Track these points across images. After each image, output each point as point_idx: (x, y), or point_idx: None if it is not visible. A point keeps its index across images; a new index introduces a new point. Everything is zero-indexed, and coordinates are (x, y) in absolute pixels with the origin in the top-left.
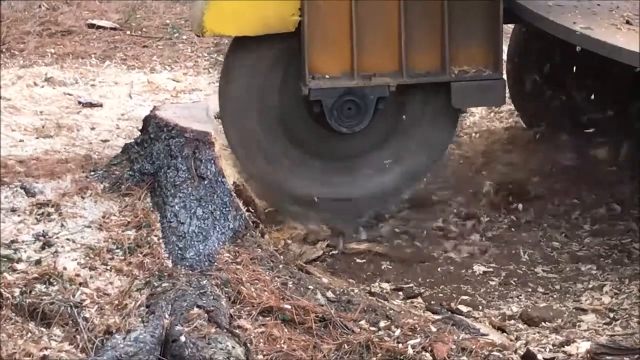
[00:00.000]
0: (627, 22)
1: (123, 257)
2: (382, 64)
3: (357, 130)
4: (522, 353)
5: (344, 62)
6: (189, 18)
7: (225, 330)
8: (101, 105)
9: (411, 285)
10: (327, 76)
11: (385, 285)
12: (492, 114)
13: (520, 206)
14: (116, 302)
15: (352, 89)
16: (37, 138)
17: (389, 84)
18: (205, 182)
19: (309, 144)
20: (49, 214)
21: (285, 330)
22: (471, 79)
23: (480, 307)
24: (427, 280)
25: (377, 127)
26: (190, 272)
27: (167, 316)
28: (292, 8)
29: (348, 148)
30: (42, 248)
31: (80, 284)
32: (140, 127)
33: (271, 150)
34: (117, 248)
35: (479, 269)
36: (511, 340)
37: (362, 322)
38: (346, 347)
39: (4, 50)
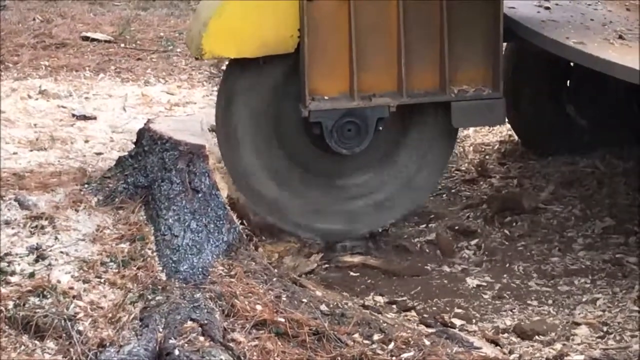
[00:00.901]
0: (620, 37)
1: (117, 270)
2: (381, 84)
3: (357, 151)
4: None
5: (343, 83)
6: (186, 39)
7: (219, 344)
8: (95, 118)
9: (405, 298)
10: (326, 97)
11: (379, 298)
12: (486, 127)
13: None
14: (110, 315)
15: (353, 110)
16: (31, 151)
17: (390, 104)
18: (199, 195)
19: (307, 165)
20: (42, 227)
21: (279, 343)
22: (471, 98)
23: (474, 321)
24: (421, 293)
25: (374, 147)
26: (184, 285)
27: (160, 329)
28: (292, 28)
29: (346, 168)
30: (36, 261)
31: (74, 296)
32: (134, 140)
33: (270, 169)
34: (111, 261)
35: (472, 282)
36: (505, 353)
37: (356, 336)
38: None
39: None
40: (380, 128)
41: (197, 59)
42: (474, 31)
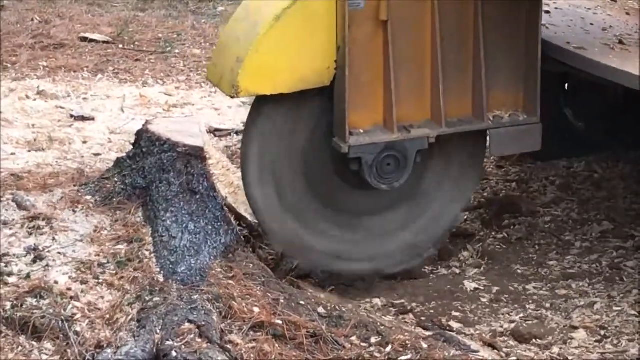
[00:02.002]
0: (620, 42)
1: (114, 272)
2: (417, 113)
3: (396, 186)
4: None
5: (376, 115)
6: (211, 74)
7: (216, 345)
8: (93, 119)
9: (402, 301)
10: (361, 130)
11: (376, 301)
12: None
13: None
14: (107, 316)
15: (392, 143)
16: (29, 151)
17: (429, 135)
18: (197, 197)
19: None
20: (40, 228)
21: (276, 345)
22: (509, 125)
23: (472, 324)
24: (419, 296)
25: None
26: (182, 286)
27: (158, 331)
28: (329, 60)
29: (375, 203)
30: (34, 262)
31: (72, 298)
32: (132, 141)
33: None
34: (109, 262)
35: (470, 285)
36: (502, 357)
37: (354, 338)
38: None
39: None
40: (419, 160)
41: (232, 97)
42: (511, 55)
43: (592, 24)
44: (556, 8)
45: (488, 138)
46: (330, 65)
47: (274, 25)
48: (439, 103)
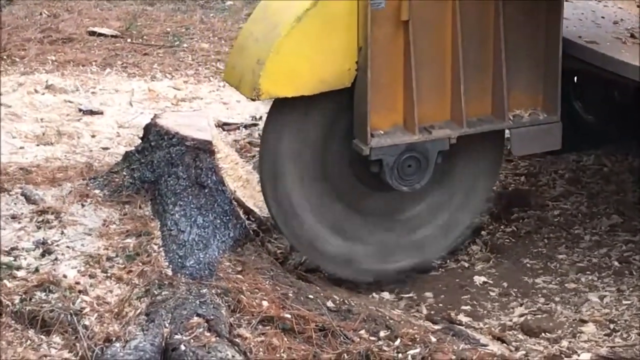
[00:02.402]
0: (632, 36)
1: (123, 265)
2: (437, 114)
3: (417, 188)
4: None
5: (396, 115)
6: (229, 76)
7: (225, 339)
8: (102, 113)
9: (411, 295)
10: (382, 132)
11: (385, 294)
12: None
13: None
14: (116, 310)
15: (414, 145)
16: (37, 145)
17: (450, 136)
18: (206, 191)
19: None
20: (49, 222)
21: (285, 339)
22: (530, 124)
23: (480, 318)
24: (427, 290)
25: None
26: (191, 280)
27: (166, 325)
28: (350, 61)
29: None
30: (42, 255)
31: (80, 291)
32: (140, 135)
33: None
34: (117, 256)
35: (479, 279)
36: (511, 350)
37: (362, 332)
38: (346, 356)
39: (5, 57)
40: (439, 161)
41: (253, 100)
42: (531, 54)
43: (603, 17)
44: (567, 1)
45: (509, 138)
46: (351, 67)
47: (295, 26)
48: (459, 103)
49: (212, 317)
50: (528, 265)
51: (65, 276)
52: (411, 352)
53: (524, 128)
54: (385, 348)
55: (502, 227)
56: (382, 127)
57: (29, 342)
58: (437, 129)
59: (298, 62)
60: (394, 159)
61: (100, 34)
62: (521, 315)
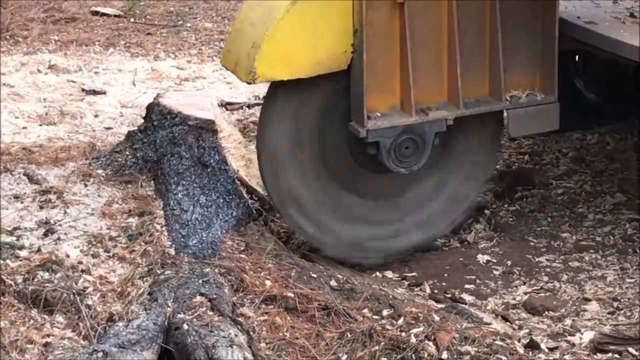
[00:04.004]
0: (631, 15)
1: (126, 245)
2: (434, 95)
3: (415, 169)
4: (525, 342)
5: (393, 97)
6: (225, 60)
7: (228, 318)
8: (105, 93)
9: (415, 274)
10: (379, 114)
11: (388, 273)
12: None
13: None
14: (119, 289)
15: (411, 126)
16: (40, 125)
17: (447, 117)
18: (209, 170)
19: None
20: (51, 201)
21: (288, 318)
22: (527, 104)
23: (484, 296)
24: (431, 269)
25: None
26: (193, 260)
27: (169, 304)
28: (346, 44)
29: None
30: (45, 235)
31: (83, 271)
32: (143, 115)
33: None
34: (120, 235)
35: (482, 257)
36: (514, 329)
37: (365, 311)
38: (349, 335)
39: (7, 37)
40: (437, 142)
41: (249, 83)
42: (527, 34)
43: None
44: None
45: (506, 118)
46: (347, 49)
47: (290, 9)
48: (456, 84)
49: (215, 296)
50: (532, 243)
51: (68, 256)
52: (414, 330)
53: (522, 109)
54: (388, 327)
55: (505, 205)
56: (379, 109)
57: (32, 321)
58: (434, 110)
59: (294, 45)
60: (391, 141)
61: (103, 14)
62: (525, 294)
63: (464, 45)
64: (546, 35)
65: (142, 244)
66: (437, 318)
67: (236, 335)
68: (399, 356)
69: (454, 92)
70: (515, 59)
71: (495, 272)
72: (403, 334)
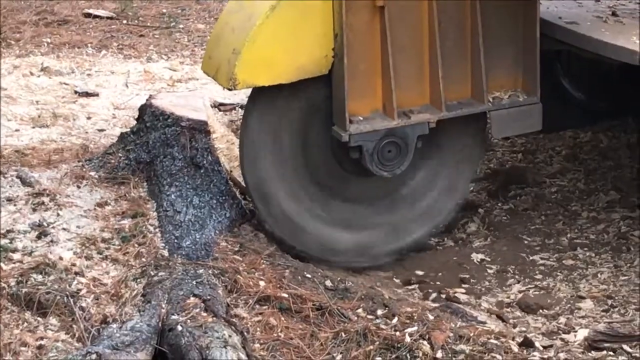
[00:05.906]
0: (613, 14)
1: (119, 247)
2: (416, 98)
3: (397, 172)
4: (519, 340)
5: (375, 101)
6: (206, 66)
7: (222, 319)
8: (97, 95)
9: (409, 273)
10: (361, 118)
11: (382, 273)
12: None
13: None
14: (112, 291)
15: (393, 130)
16: (33, 127)
17: (430, 120)
18: (202, 171)
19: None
20: (44, 203)
21: (282, 318)
22: (509, 106)
23: (478, 295)
24: (425, 268)
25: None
26: (187, 261)
27: (163, 305)
28: (326, 48)
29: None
30: (38, 237)
31: (77, 273)
32: (136, 116)
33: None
34: (113, 237)
35: (476, 256)
36: (509, 327)
37: (360, 311)
38: (343, 335)
39: (0, 40)
40: (419, 145)
41: (230, 89)
42: (509, 35)
43: None
44: None
45: (489, 120)
46: (328, 54)
47: (270, 15)
48: (438, 87)
49: (208, 297)
50: (526, 242)
51: (61, 258)
52: (409, 329)
53: (504, 110)
54: (382, 326)
55: (499, 204)
56: (361, 113)
57: (25, 324)
58: (417, 113)
59: (274, 51)
60: (374, 145)
61: (95, 16)
62: (519, 292)
63: (445, 48)
64: (527, 36)
65: (136, 245)
66: (431, 317)
67: (230, 336)
68: (393, 355)
69: (436, 95)
70: (497, 61)
71: (490, 271)
72: (397, 333)
